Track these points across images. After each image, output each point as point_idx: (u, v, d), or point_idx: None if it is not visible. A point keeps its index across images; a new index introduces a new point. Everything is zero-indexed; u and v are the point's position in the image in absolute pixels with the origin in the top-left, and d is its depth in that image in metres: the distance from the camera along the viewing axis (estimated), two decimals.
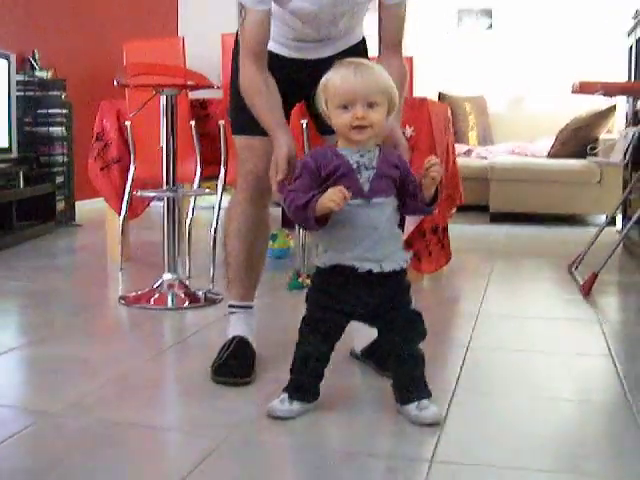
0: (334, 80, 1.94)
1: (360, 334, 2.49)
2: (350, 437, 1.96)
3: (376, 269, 1.95)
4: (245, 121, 2.41)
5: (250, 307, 2.58)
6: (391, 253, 1.98)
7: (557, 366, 2.56)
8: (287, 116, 2.42)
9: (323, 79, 1.98)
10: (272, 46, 2.36)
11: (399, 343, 2.03)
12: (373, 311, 2.03)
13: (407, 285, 2.06)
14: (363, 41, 2.57)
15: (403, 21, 2.43)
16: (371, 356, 2.47)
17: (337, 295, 2.00)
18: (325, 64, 2.12)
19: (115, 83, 3.49)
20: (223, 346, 2.47)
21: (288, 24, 2.36)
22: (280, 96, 2.31)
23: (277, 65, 2.37)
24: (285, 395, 2.04)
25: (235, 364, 2.38)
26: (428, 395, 2.02)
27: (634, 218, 3.85)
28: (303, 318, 2.07)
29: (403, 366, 2.03)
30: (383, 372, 2.33)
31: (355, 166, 1.94)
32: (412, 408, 1.98)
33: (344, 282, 1.98)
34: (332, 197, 1.83)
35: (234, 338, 2.48)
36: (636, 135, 3.79)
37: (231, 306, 2.57)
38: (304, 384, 2.05)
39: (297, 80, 2.42)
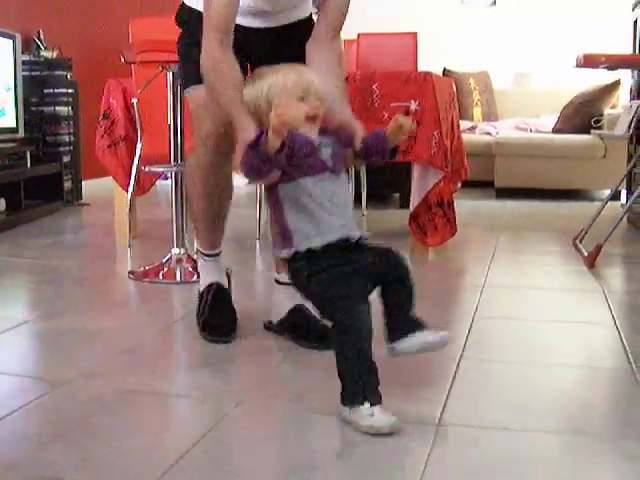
0: (290, 77, 1.96)
1: (278, 304, 2.58)
2: None
3: (355, 236, 1.94)
4: (197, 70, 2.26)
5: (218, 254, 2.67)
6: (354, 223, 1.99)
7: (562, 334, 2.60)
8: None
9: (269, 80, 1.97)
10: None
11: (403, 274, 1.97)
12: (373, 259, 1.96)
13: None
14: (311, 17, 2.49)
15: (348, 2, 2.34)
16: (287, 328, 2.51)
17: (341, 263, 1.89)
18: (275, 33, 2.36)
19: (122, 60, 3.51)
20: (202, 294, 2.59)
21: None
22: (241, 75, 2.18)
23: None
24: (366, 406, 1.78)
25: (218, 320, 2.50)
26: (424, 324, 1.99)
27: (637, 191, 3.86)
28: (328, 315, 1.91)
29: (408, 296, 1.96)
30: (304, 343, 2.42)
31: (317, 144, 1.94)
32: (428, 334, 1.94)
33: (336, 254, 1.90)
34: (279, 111, 1.80)
35: (211, 286, 2.59)
36: None
37: (201, 253, 2.66)
38: (376, 382, 1.83)
39: (245, 47, 2.29)
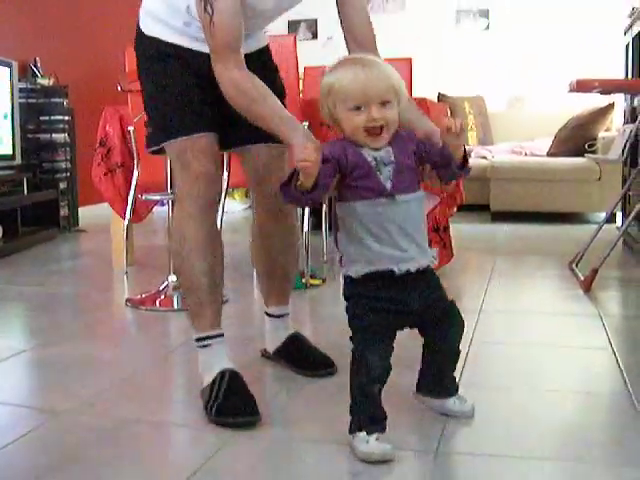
0: (343, 81, 1.79)
1: (272, 335, 2.52)
2: None
3: (413, 267, 1.83)
4: (180, 121, 2.16)
5: (222, 335, 2.22)
6: (423, 249, 1.87)
7: (559, 359, 2.60)
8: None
9: (327, 82, 1.82)
10: (188, 42, 2.18)
11: (450, 338, 1.98)
12: (421, 306, 1.88)
13: (438, 277, 1.97)
14: (267, 47, 2.38)
15: (368, 14, 2.22)
16: (285, 356, 2.48)
17: (382, 297, 1.84)
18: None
19: (119, 88, 3.53)
20: (212, 383, 2.11)
21: None
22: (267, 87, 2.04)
23: (195, 62, 2.17)
24: (363, 434, 1.80)
25: (237, 402, 2.06)
26: (458, 388, 2.07)
27: (633, 214, 3.88)
28: (352, 338, 1.87)
29: (448, 359, 2.02)
30: (302, 372, 2.40)
31: (373, 163, 1.80)
32: (452, 402, 2.03)
33: (384, 285, 1.84)
34: (300, 157, 1.70)
35: (224, 372, 2.13)
36: (633, 132, 3.83)
37: (201, 339, 2.20)
38: (376, 413, 1.84)
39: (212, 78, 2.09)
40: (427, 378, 2.05)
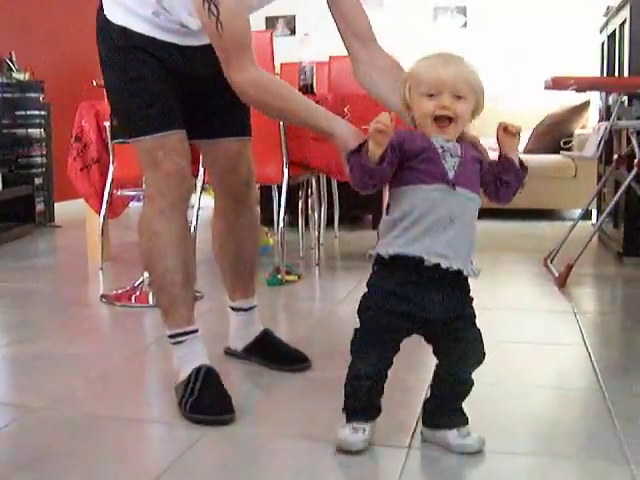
0: (422, 67, 1.77)
1: (241, 332, 2.51)
2: (328, 426, 1.93)
3: (444, 264, 1.73)
4: (150, 117, 2.09)
5: (197, 330, 2.19)
6: (463, 255, 1.80)
7: (533, 355, 2.62)
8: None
9: (410, 68, 1.81)
10: (157, 33, 2.09)
11: (460, 363, 1.85)
12: (440, 316, 1.77)
13: (472, 298, 1.89)
14: None
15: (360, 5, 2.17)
16: (257, 353, 2.47)
17: (400, 293, 1.75)
18: (201, 51, 2.07)
19: (94, 84, 3.52)
20: (187, 379, 2.10)
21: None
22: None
23: (163, 54, 2.11)
24: (344, 422, 1.83)
25: (212, 399, 2.04)
26: (467, 422, 1.86)
27: (607, 211, 3.91)
28: (356, 329, 1.81)
29: (454, 389, 1.86)
30: (278, 367, 2.40)
31: (440, 151, 1.74)
32: (453, 435, 1.83)
33: (408, 277, 1.74)
34: (377, 119, 1.65)
35: (199, 368, 2.11)
36: (608, 129, 3.85)
37: (176, 335, 2.17)
38: (353, 406, 1.82)
39: (184, 66, 2.14)
40: (430, 405, 1.89)
